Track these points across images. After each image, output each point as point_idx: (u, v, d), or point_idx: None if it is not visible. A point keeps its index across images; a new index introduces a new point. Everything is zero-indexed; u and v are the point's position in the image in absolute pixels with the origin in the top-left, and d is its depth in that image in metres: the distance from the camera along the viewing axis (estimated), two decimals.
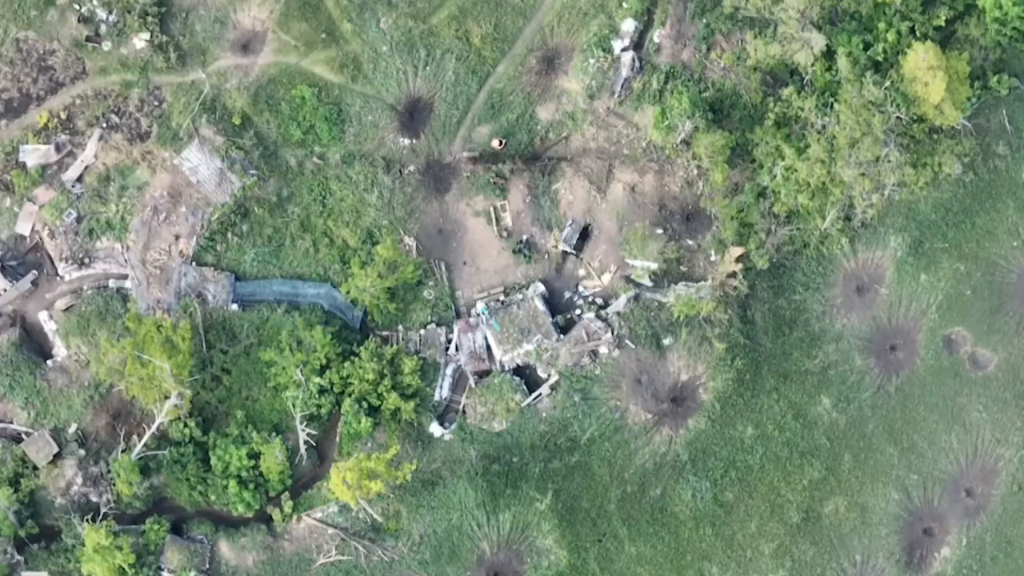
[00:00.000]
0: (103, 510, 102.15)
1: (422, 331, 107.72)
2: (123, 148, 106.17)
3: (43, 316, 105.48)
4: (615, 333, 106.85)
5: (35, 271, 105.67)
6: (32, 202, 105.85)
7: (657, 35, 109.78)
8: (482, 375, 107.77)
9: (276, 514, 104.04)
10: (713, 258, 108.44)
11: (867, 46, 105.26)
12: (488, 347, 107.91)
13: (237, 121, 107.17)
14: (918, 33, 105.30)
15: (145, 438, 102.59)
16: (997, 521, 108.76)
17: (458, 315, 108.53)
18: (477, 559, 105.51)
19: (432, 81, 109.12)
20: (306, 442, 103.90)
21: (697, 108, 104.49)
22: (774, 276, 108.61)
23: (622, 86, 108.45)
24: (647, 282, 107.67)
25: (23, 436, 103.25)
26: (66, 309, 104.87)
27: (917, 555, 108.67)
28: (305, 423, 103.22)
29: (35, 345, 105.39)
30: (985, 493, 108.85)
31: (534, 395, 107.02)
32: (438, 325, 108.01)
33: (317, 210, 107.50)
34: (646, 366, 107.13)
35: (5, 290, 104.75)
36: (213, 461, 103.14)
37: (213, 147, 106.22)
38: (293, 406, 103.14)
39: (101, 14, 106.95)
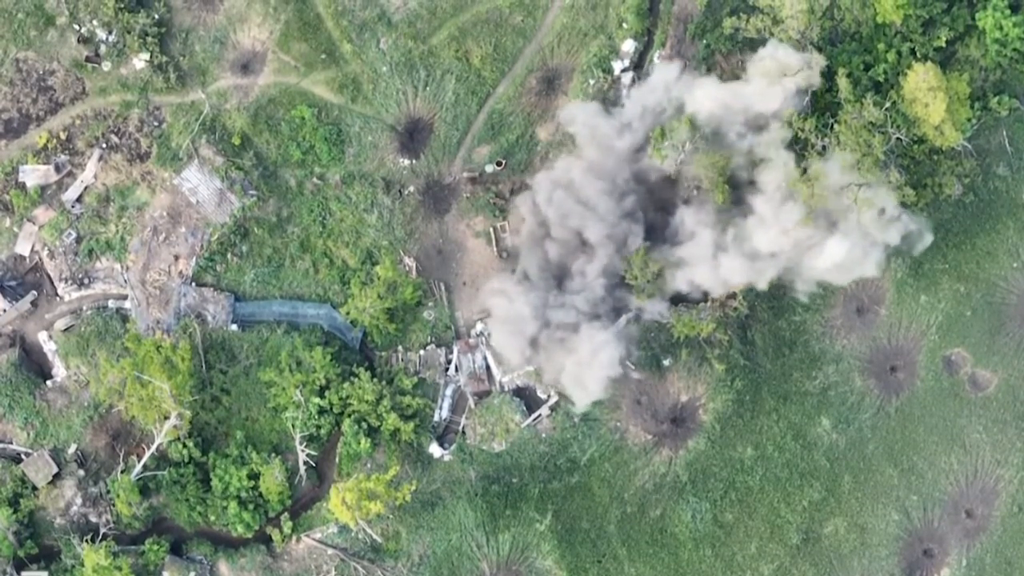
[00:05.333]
0: (102, 530, 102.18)
1: (422, 352, 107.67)
2: (123, 168, 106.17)
3: (43, 336, 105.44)
4: None
5: (35, 291, 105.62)
6: (32, 222, 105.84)
7: (657, 56, 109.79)
8: (482, 396, 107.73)
9: (275, 534, 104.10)
10: None
11: (867, 67, 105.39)
12: (488, 368, 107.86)
13: (237, 141, 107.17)
14: (918, 54, 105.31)
15: (144, 458, 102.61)
16: (997, 542, 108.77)
17: (458, 336, 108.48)
18: None
19: (432, 102, 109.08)
20: (306, 462, 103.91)
21: (697, 129, 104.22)
22: (774, 297, 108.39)
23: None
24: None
25: (22, 456, 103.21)
26: (66, 329, 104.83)
27: None
28: (305, 443, 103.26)
29: (34, 365, 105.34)
30: (985, 514, 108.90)
31: (534, 416, 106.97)
32: (438, 346, 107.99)
33: (317, 230, 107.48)
34: (646, 387, 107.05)
35: (5, 310, 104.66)
36: (213, 481, 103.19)
37: (213, 167, 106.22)
38: (292, 426, 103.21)
39: (101, 34, 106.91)
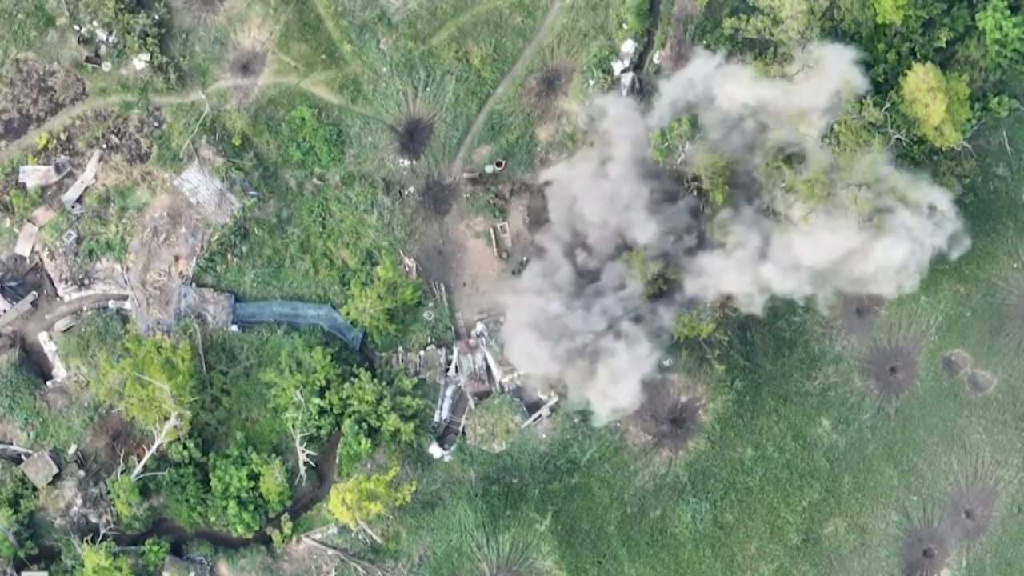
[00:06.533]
0: (103, 531, 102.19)
1: (422, 352, 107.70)
2: (123, 169, 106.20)
3: (43, 337, 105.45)
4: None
5: (35, 292, 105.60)
6: (32, 223, 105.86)
7: (657, 56, 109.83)
8: (482, 396, 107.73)
9: (275, 535, 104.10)
10: None
11: (867, 67, 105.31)
12: (488, 368, 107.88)
13: (237, 142, 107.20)
14: (918, 54, 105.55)
15: (145, 459, 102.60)
16: (997, 542, 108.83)
17: (458, 336, 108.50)
18: None
19: (432, 102, 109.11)
20: (306, 463, 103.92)
21: (697, 130, 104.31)
22: (774, 297, 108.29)
23: None
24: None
25: (23, 457, 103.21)
26: (66, 330, 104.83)
27: None
28: (305, 444, 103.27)
29: (35, 366, 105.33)
30: (985, 515, 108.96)
31: (534, 416, 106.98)
32: (438, 346, 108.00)
33: (317, 231, 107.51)
34: (646, 388, 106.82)
35: (5, 311, 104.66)
36: (213, 482, 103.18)
37: (213, 168, 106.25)
38: (293, 427, 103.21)
39: (101, 35, 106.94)
